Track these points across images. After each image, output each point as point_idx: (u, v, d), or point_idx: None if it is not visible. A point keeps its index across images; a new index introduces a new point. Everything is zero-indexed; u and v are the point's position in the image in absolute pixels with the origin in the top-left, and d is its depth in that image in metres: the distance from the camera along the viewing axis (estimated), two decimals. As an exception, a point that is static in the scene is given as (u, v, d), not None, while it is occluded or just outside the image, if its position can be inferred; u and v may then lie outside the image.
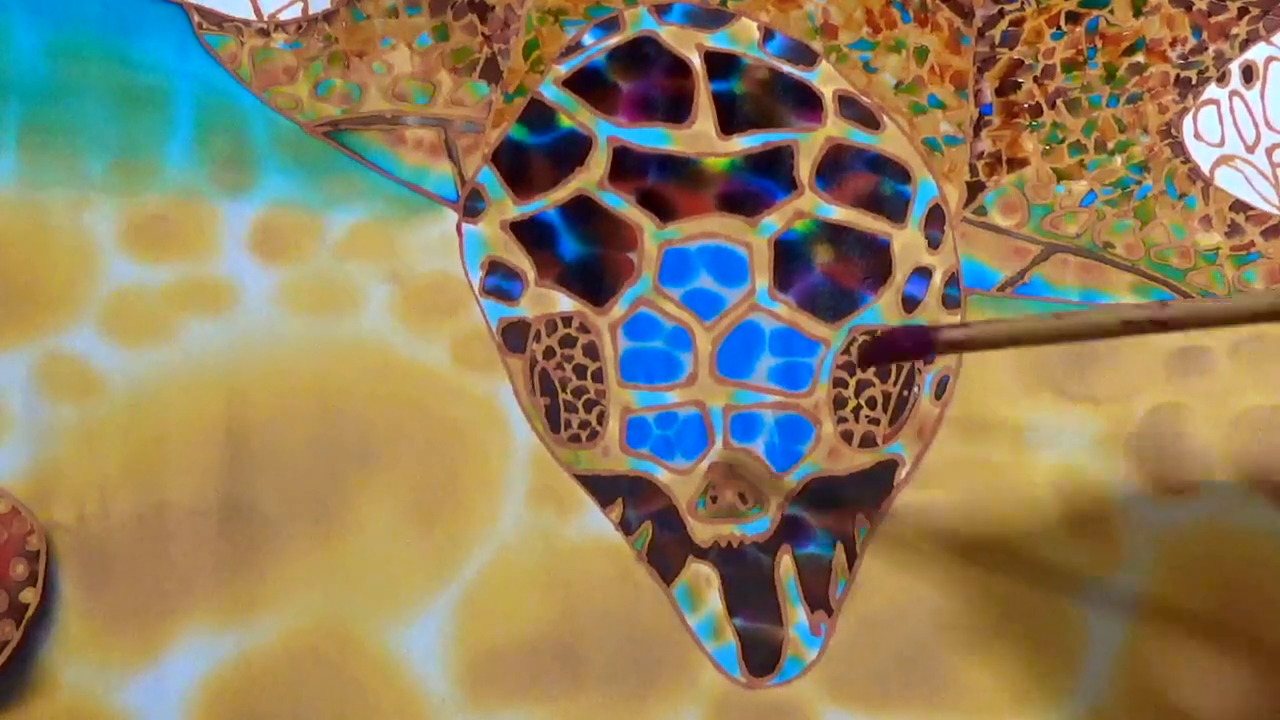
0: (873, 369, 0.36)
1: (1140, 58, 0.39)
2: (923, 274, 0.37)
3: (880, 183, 0.37)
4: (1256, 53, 0.39)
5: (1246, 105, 0.39)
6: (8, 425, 0.34)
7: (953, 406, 0.36)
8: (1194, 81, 0.39)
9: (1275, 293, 0.29)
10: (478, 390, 0.35)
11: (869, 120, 0.38)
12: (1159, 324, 0.30)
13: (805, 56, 0.38)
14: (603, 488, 0.35)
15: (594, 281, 0.36)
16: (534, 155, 0.37)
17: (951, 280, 0.37)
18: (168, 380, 0.34)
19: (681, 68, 0.37)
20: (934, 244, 0.37)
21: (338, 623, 0.33)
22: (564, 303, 0.36)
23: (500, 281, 0.36)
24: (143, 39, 0.36)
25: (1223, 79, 0.39)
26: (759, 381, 0.36)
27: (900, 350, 0.34)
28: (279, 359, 0.35)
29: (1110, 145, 0.38)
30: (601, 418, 0.35)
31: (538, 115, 0.37)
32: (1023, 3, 0.39)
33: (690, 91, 0.37)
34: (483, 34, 0.37)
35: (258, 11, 0.37)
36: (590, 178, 0.37)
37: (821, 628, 0.35)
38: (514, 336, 0.36)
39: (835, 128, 0.37)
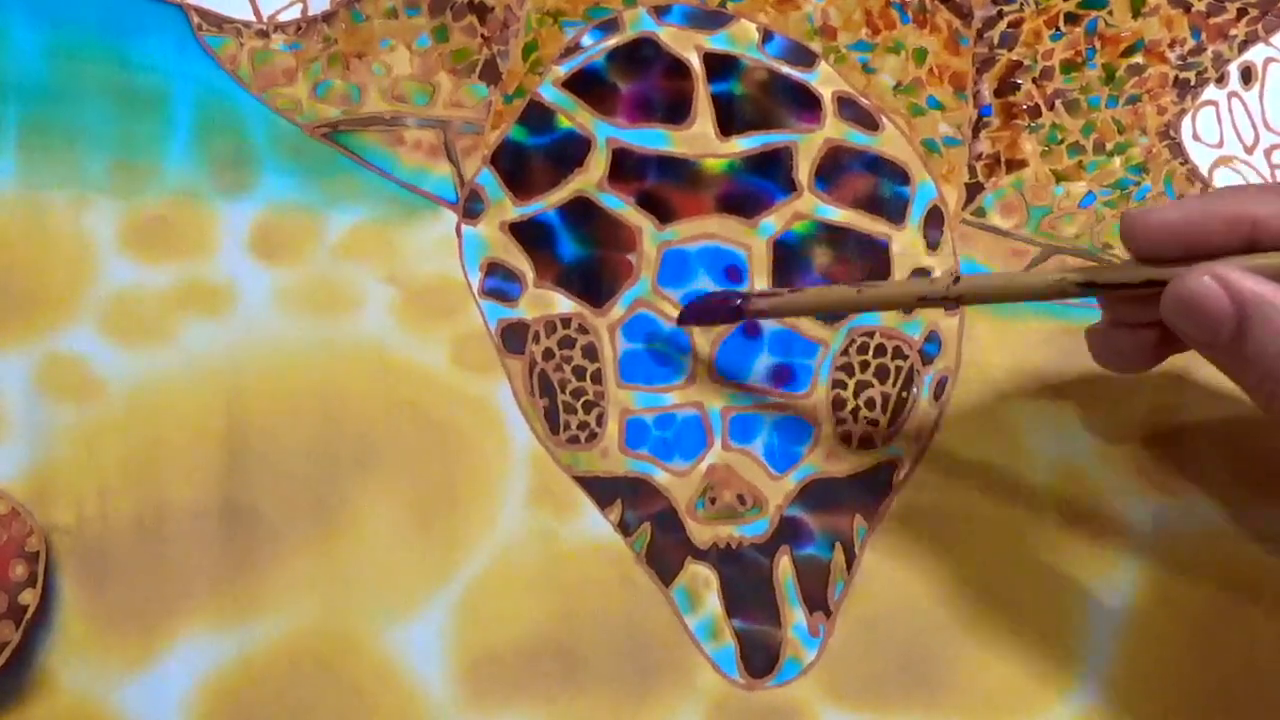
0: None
1: (1139, 59, 0.39)
2: (921, 275, 0.37)
3: (879, 184, 0.37)
4: (1255, 54, 0.39)
5: (1245, 106, 0.39)
6: (7, 426, 0.34)
7: (951, 407, 0.36)
8: (1193, 83, 0.39)
9: (1059, 271, 0.30)
10: (476, 391, 0.35)
11: (868, 121, 0.38)
12: (951, 299, 0.31)
13: (804, 58, 0.38)
14: (601, 489, 0.35)
15: (593, 283, 0.36)
16: (533, 156, 0.37)
17: (950, 281, 0.37)
18: (167, 381, 0.34)
19: (680, 69, 0.37)
20: (933, 245, 0.37)
21: (337, 624, 0.33)
22: (563, 304, 0.36)
23: (499, 283, 0.36)
24: (142, 40, 0.36)
25: (1221, 80, 0.39)
26: (757, 383, 0.36)
27: (713, 316, 0.35)
28: (278, 360, 0.35)
29: (1109, 146, 0.38)
30: (600, 419, 0.35)
31: (537, 117, 0.37)
32: (1021, 4, 0.39)
33: (689, 93, 0.37)
34: (482, 35, 0.37)
35: (257, 13, 0.37)
36: (589, 179, 0.37)
37: (820, 629, 0.35)
38: (513, 338, 0.36)
39: (834, 129, 0.37)
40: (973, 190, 0.38)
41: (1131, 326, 0.31)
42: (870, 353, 0.36)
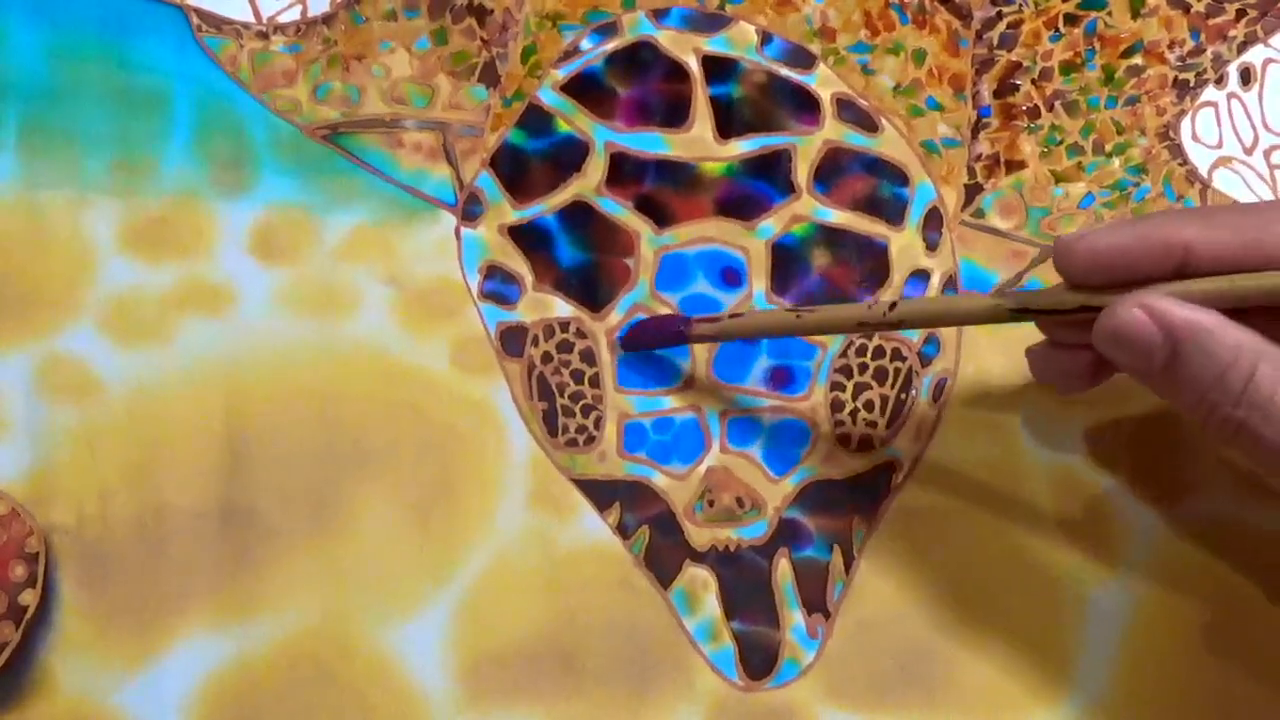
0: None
1: (1138, 60, 0.39)
2: (920, 276, 0.37)
3: (878, 185, 0.37)
4: (1254, 55, 0.39)
5: (1244, 107, 0.39)
6: (7, 427, 0.34)
7: (950, 408, 0.36)
8: (1192, 84, 0.39)
9: (994, 296, 0.30)
10: (475, 394, 0.35)
11: (867, 123, 0.38)
12: (890, 324, 0.31)
13: (803, 60, 0.38)
14: (600, 492, 0.35)
15: (591, 287, 0.36)
16: (532, 160, 0.37)
17: (949, 283, 0.37)
18: (167, 382, 0.34)
19: (679, 72, 0.37)
20: (932, 246, 0.37)
21: (336, 625, 0.34)
22: (562, 308, 0.36)
23: (498, 286, 0.36)
24: (142, 40, 0.36)
25: (1220, 81, 0.39)
26: (756, 386, 0.36)
27: (657, 340, 0.35)
28: (277, 361, 0.35)
29: (1108, 147, 0.38)
30: (599, 422, 0.35)
31: (536, 120, 0.37)
32: (1021, 5, 0.39)
33: (688, 96, 0.37)
34: (481, 38, 0.37)
35: (257, 14, 0.37)
36: (588, 183, 0.37)
37: (819, 631, 0.35)
38: (512, 341, 0.36)
39: (833, 131, 0.37)
40: (972, 191, 0.38)
41: (1070, 348, 0.32)
42: (869, 355, 0.36)
